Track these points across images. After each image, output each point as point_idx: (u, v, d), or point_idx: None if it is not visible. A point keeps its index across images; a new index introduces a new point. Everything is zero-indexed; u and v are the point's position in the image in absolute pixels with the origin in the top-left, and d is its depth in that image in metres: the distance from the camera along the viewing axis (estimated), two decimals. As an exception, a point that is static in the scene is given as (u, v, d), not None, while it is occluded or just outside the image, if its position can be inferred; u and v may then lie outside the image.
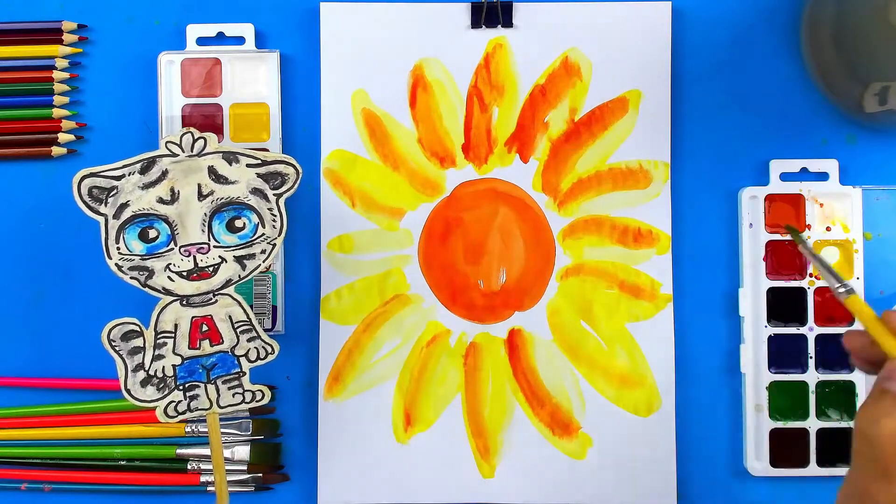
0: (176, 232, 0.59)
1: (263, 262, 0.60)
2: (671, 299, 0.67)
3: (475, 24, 0.67)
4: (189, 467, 0.65)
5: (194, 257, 0.59)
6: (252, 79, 0.67)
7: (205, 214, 0.59)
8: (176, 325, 0.59)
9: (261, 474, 0.65)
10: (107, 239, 0.59)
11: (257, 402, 0.60)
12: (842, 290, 0.54)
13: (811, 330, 0.66)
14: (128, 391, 0.59)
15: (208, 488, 0.65)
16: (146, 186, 0.59)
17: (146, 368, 0.59)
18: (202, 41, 0.67)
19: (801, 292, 0.67)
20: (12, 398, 0.67)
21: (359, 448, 0.66)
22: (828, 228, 0.67)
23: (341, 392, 0.67)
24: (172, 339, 0.59)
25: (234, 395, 0.60)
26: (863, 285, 0.66)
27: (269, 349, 0.60)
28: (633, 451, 0.66)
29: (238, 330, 0.60)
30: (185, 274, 0.59)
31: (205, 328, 0.60)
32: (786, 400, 0.66)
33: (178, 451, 0.65)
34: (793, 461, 0.66)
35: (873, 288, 0.67)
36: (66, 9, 0.68)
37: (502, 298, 0.67)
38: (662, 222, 0.67)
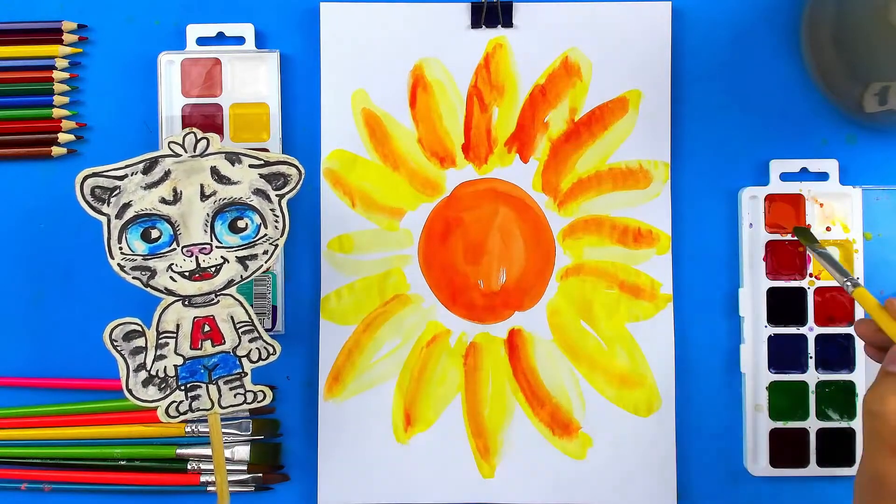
0: (178, 232, 0.59)
1: (265, 262, 0.60)
2: (671, 299, 0.67)
3: (475, 24, 0.67)
4: (189, 467, 0.65)
5: (196, 257, 0.59)
6: (252, 79, 0.67)
7: (207, 215, 0.59)
8: (178, 326, 0.59)
9: (261, 474, 0.65)
10: (109, 239, 0.58)
11: (259, 402, 0.60)
12: (849, 283, 0.58)
13: (811, 330, 0.66)
14: (129, 391, 0.59)
15: (208, 488, 0.65)
16: (149, 186, 0.59)
17: (148, 368, 0.59)
18: (202, 41, 0.67)
19: (801, 292, 0.67)
20: (12, 398, 0.67)
21: (359, 448, 0.66)
22: (828, 228, 0.67)
23: (341, 392, 0.67)
24: (174, 340, 0.59)
25: (235, 396, 0.60)
26: (863, 285, 0.66)
27: (271, 350, 0.60)
28: (633, 451, 0.66)
29: (240, 330, 0.60)
30: (187, 274, 0.59)
31: (207, 328, 0.59)
32: (786, 400, 0.66)
33: (179, 451, 0.65)
34: (792, 461, 0.66)
35: (873, 288, 0.67)
36: (66, 9, 0.68)
37: (502, 298, 0.67)
38: (662, 222, 0.67)
